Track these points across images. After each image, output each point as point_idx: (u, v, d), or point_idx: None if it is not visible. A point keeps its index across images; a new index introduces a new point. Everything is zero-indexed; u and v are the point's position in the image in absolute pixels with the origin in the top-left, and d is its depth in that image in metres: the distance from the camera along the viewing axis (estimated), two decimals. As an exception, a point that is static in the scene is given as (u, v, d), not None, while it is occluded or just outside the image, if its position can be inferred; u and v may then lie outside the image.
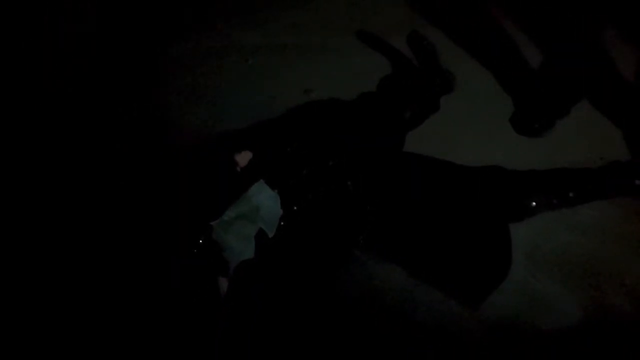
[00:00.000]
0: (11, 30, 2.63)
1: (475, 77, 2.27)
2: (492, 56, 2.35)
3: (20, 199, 2.05)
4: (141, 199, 1.73)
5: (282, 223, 1.55)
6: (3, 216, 2.00)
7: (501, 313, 1.66)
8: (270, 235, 1.53)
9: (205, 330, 1.52)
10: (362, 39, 2.48)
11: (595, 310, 1.65)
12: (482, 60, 2.34)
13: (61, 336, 1.71)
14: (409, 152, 2.00)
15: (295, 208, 1.58)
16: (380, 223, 1.69)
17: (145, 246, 1.68)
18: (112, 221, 1.83)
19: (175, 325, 1.59)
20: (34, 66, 2.53)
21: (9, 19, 2.67)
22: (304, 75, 2.36)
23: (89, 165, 2.10)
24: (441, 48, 2.34)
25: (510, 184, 1.83)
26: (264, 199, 1.56)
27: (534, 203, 1.80)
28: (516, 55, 2.36)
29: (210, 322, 1.51)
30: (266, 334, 1.47)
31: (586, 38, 2.10)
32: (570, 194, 1.82)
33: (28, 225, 1.97)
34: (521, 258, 1.74)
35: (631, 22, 2.21)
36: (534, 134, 2.06)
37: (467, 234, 1.72)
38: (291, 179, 1.64)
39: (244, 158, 1.67)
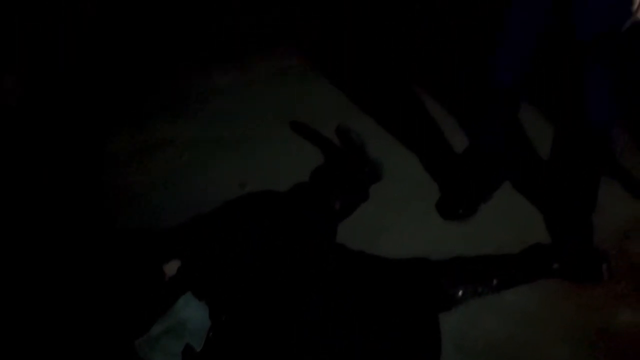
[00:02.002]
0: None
1: (403, 164, 2.37)
2: (419, 142, 2.46)
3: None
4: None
5: (210, 334, 1.56)
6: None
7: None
8: (198, 349, 1.53)
9: None
10: (293, 128, 2.57)
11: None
12: (410, 146, 2.45)
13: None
14: (339, 244, 2.04)
15: (223, 318, 1.59)
16: (311, 323, 1.71)
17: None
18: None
19: None
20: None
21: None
22: (238, 168, 2.41)
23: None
24: (369, 135, 2.43)
25: (436, 274, 1.90)
26: (192, 311, 1.57)
27: (460, 292, 1.86)
28: (442, 141, 2.48)
29: None
30: None
31: (507, 123, 2.21)
32: (494, 281, 1.89)
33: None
34: (451, 349, 1.78)
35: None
36: (458, 218, 2.15)
37: (396, 327, 1.76)
38: (220, 287, 1.66)
39: (171, 268, 1.68)
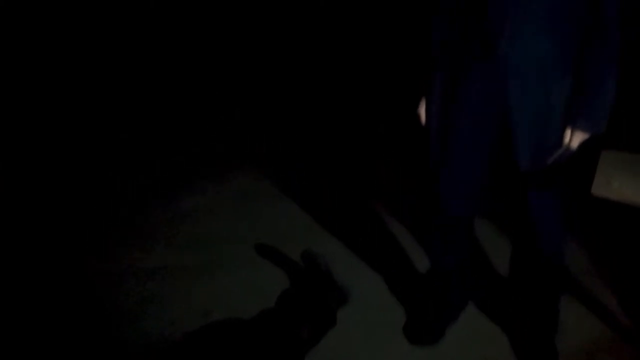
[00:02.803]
0: None
1: (369, 287, 2.39)
2: (385, 264, 2.50)
3: None
4: None
5: None
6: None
7: None
8: None
9: None
10: (259, 252, 2.58)
11: None
12: (376, 268, 2.48)
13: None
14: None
15: None
16: None
17: None
18: None
19: None
20: None
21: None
22: (204, 295, 2.38)
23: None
24: (335, 258, 2.46)
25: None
26: None
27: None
28: (407, 263, 2.52)
29: None
30: None
31: (462, 246, 2.26)
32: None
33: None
34: None
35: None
36: (426, 343, 2.14)
37: None
38: None
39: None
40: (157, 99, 4.21)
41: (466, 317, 2.23)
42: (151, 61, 4.42)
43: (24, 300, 2.38)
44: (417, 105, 1.96)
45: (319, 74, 4.39)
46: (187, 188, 3.08)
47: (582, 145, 1.74)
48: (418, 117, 1.96)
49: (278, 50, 4.63)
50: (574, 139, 1.72)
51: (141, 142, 3.66)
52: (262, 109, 4.07)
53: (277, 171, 3.20)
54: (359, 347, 2.15)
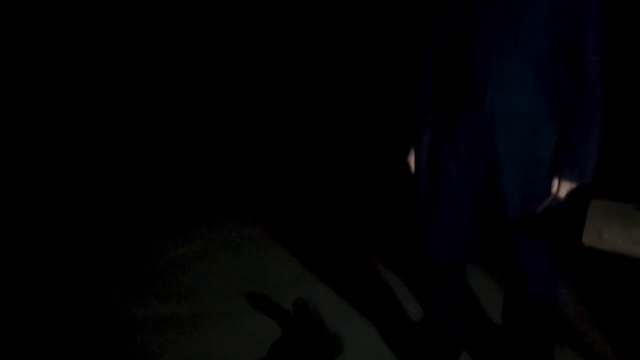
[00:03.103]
0: None
1: (361, 336, 2.35)
2: (377, 313, 2.46)
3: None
4: None
5: None
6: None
7: None
8: None
9: None
10: (251, 301, 2.55)
11: None
12: (368, 317, 2.44)
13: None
14: None
15: None
16: None
17: None
18: None
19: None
20: None
21: None
22: (195, 346, 2.34)
23: None
24: (327, 307, 2.44)
25: None
26: None
27: None
28: (399, 311, 2.50)
29: None
30: None
31: (453, 295, 2.23)
32: None
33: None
34: None
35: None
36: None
37: None
38: None
39: None
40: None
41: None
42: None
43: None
44: (406, 154, 1.98)
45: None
46: (178, 236, 3.03)
47: (571, 194, 1.75)
48: (407, 165, 1.97)
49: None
50: (561, 188, 1.73)
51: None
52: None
53: (271, 220, 3.17)
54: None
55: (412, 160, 1.95)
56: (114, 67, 4.35)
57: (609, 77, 1.72)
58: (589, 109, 1.67)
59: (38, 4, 4.14)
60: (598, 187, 1.83)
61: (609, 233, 1.85)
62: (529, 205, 1.76)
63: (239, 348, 2.30)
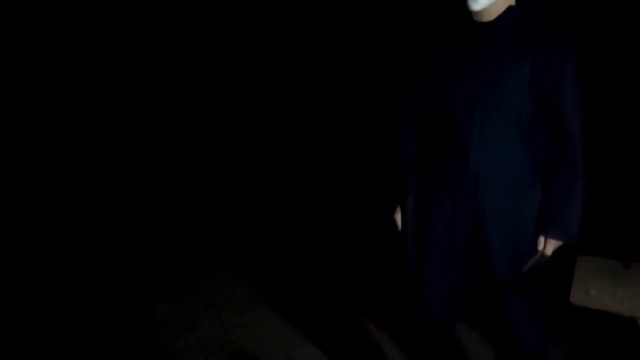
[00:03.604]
0: None
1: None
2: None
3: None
4: None
5: None
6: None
7: None
8: None
9: None
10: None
11: None
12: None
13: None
14: None
15: None
16: None
17: None
18: None
19: None
20: None
21: None
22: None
23: None
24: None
25: None
26: None
27: None
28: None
29: None
30: None
31: (445, 350, 2.13)
32: None
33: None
34: None
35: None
36: None
37: None
38: None
39: None
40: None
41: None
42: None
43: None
44: (393, 213, 1.95)
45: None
46: (163, 296, 2.87)
47: (557, 252, 1.74)
48: (395, 223, 1.95)
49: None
50: (548, 246, 1.72)
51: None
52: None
53: (256, 277, 3.03)
54: None
55: (398, 218, 1.93)
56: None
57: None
58: (571, 167, 1.66)
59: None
60: (584, 242, 1.80)
61: (597, 291, 1.85)
62: (515, 262, 1.74)
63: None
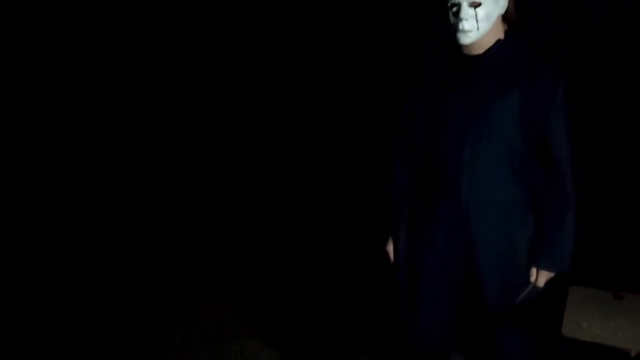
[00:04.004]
0: None
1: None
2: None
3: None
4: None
5: None
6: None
7: None
8: None
9: None
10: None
11: None
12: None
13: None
14: None
15: None
16: None
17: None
18: None
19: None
20: None
21: None
22: None
23: None
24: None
25: None
26: None
27: None
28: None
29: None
30: None
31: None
32: None
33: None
34: None
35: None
36: None
37: None
38: None
39: None
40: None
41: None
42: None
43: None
44: (384, 244, 1.95)
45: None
46: (158, 326, 2.78)
47: (549, 283, 1.74)
48: (386, 255, 1.95)
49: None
50: (540, 277, 1.72)
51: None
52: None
53: (252, 308, 2.95)
54: None
55: (390, 249, 1.93)
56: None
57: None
58: (562, 199, 1.66)
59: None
60: (576, 273, 1.80)
61: (588, 323, 1.85)
62: (507, 293, 1.75)
63: None
